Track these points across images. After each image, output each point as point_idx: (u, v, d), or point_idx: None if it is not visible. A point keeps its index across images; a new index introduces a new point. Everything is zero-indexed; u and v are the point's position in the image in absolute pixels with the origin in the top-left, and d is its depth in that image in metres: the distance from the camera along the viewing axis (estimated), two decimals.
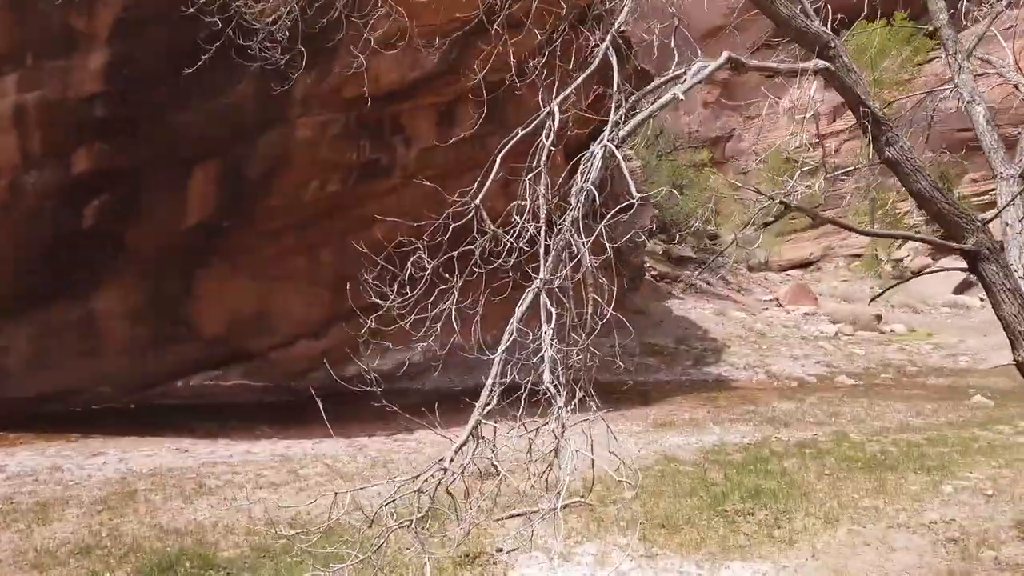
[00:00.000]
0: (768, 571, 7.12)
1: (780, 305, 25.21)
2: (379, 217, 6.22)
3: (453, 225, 3.33)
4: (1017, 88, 4.44)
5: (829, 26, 4.14)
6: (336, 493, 3.25)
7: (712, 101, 46.47)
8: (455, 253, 3.31)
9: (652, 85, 3.63)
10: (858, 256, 40.81)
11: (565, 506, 2.90)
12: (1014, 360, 3.57)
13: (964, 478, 9.81)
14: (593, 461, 3.18)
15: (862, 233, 3.60)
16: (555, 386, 2.90)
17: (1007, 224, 4.03)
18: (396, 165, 13.51)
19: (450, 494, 2.97)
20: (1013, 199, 3.98)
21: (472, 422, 2.89)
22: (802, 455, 10.88)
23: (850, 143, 42.48)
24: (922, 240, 3.53)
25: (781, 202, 3.81)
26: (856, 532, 7.96)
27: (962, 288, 31.40)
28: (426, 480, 2.80)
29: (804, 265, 42.39)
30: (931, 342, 20.37)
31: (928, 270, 34.24)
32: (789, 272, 38.59)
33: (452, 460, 2.82)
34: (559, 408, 2.84)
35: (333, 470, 10.01)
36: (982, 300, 29.63)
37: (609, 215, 3.49)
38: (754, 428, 12.56)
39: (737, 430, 12.42)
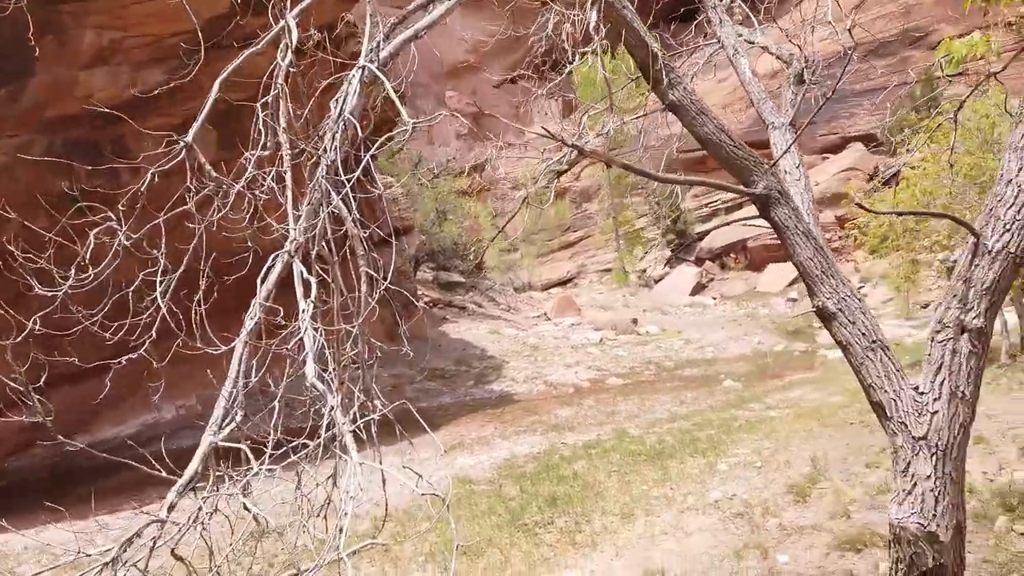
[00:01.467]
0: None
1: (549, 319, 25.88)
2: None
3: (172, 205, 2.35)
4: (779, 58, 4.43)
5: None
6: None
7: (465, 133, 47.66)
8: (161, 218, 2.33)
9: (411, 7, 2.96)
10: (608, 270, 43.77)
11: (354, 552, 2.02)
12: (813, 306, 3.37)
13: (734, 455, 10.27)
14: (384, 478, 2.36)
15: (659, 180, 3.19)
16: (324, 381, 2.05)
17: (785, 172, 3.91)
18: (123, 194, 11.60)
19: (180, 559, 1.98)
20: (789, 147, 3.87)
21: (203, 447, 1.94)
22: (589, 456, 10.81)
23: (589, 168, 45.75)
24: (717, 186, 3.20)
25: (573, 146, 3.33)
26: (652, 523, 7.85)
27: (697, 290, 34.83)
28: (125, 546, 1.80)
29: (563, 283, 44.57)
30: (681, 338, 21.93)
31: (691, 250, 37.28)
32: (550, 291, 40.30)
33: (173, 506, 1.86)
34: (332, 409, 2.00)
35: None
36: (714, 299, 32.94)
37: (377, 143, 2.73)
38: (541, 437, 12.36)
39: (525, 441, 12.13)
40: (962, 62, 3.58)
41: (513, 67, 48.69)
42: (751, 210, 36.73)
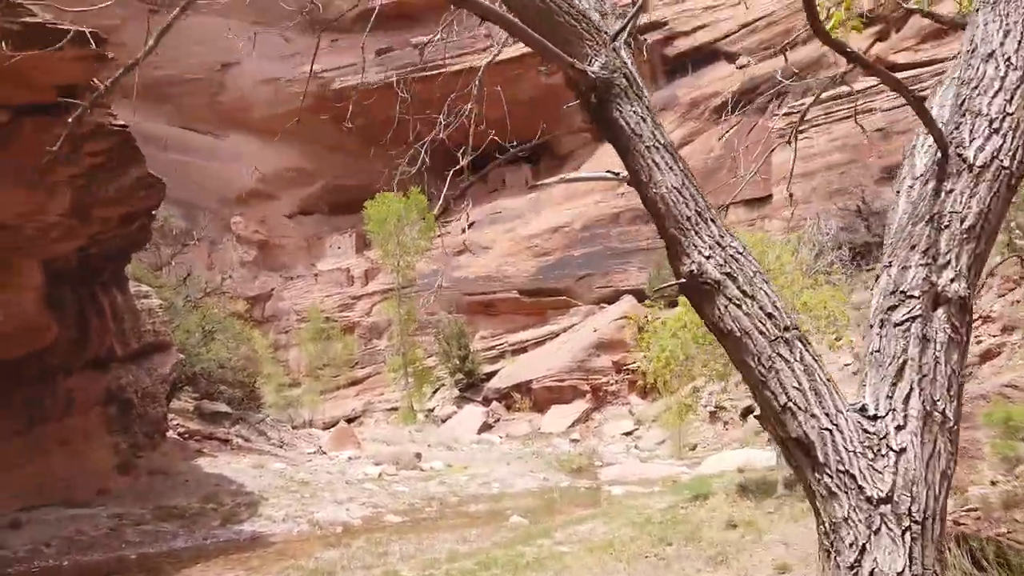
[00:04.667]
0: None
1: (324, 452, 22.90)
2: None
3: None
4: None
5: None
6: None
7: (249, 260, 44.39)
8: None
9: None
10: (395, 409, 41.38)
11: None
12: (682, 275, 1.95)
13: None
14: None
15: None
16: None
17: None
18: None
19: None
20: (629, 21, 2.54)
21: None
22: None
23: (380, 304, 44.27)
24: (534, 44, 1.73)
25: None
26: None
27: (483, 429, 33.57)
28: None
29: (348, 421, 41.27)
30: (467, 474, 20.09)
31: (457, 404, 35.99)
32: (333, 428, 36.98)
33: None
34: None
35: None
36: (501, 438, 31.72)
37: None
38: None
39: None
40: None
41: (307, 199, 47.10)
42: (539, 353, 36.44)
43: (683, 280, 1.93)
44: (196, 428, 23.14)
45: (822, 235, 16.69)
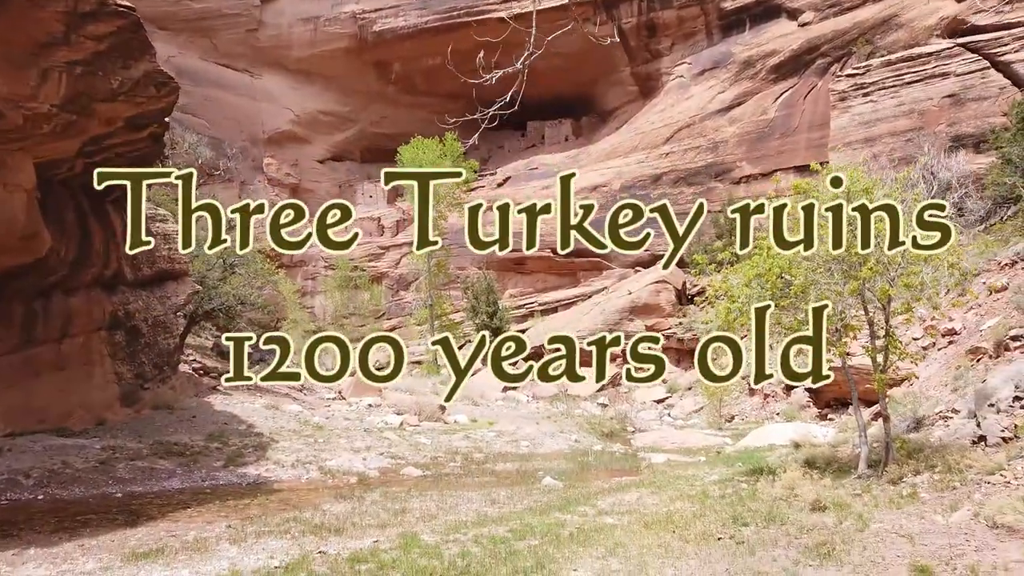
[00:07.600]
0: None
1: (343, 398, 21.32)
2: None
3: None
4: None
5: None
6: None
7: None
8: None
9: None
10: (419, 362, 39.83)
11: None
12: None
13: None
14: None
15: None
16: None
17: None
18: None
19: None
20: None
21: None
22: (355, 574, 6.70)
23: (409, 256, 42.52)
24: None
25: None
26: None
27: (509, 387, 31.83)
28: None
29: None
30: (493, 430, 18.38)
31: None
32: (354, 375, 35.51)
33: None
34: None
35: None
36: (527, 397, 29.98)
37: None
38: (292, 541, 7.96)
39: (265, 547, 7.68)
40: None
41: (341, 144, 45.22)
42: (569, 314, 34.35)
43: None
44: (213, 365, 21.68)
45: (948, 171, 14.19)
